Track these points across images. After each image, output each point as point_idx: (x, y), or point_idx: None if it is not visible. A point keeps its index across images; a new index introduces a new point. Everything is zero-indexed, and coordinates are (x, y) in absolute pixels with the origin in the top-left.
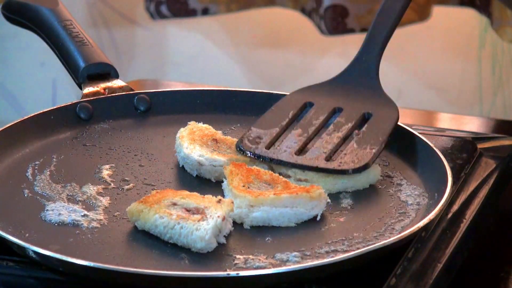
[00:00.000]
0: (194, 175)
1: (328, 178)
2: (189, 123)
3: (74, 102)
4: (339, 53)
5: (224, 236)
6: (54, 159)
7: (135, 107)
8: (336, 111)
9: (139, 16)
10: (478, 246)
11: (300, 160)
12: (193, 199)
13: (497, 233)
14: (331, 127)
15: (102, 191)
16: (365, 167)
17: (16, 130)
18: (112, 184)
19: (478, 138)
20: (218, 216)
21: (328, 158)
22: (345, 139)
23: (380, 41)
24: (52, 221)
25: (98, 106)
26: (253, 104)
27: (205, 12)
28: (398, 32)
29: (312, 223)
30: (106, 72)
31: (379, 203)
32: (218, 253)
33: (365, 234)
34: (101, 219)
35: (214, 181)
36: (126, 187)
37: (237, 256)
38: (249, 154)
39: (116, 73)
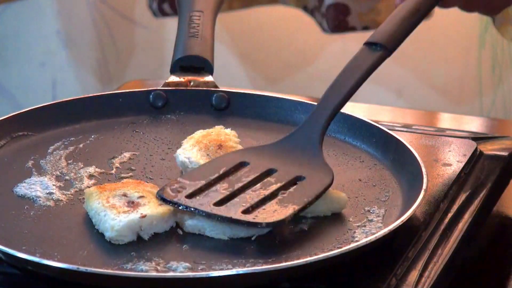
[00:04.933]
0: None
1: None
2: (215, 127)
3: (150, 88)
4: (340, 51)
5: (152, 233)
6: (91, 139)
7: (212, 104)
8: (269, 172)
9: (139, 15)
10: (478, 246)
11: (216, 210)
12: (145, 194)
13: (497, 233)
14: (258, 185)
15: (96, 175)
16: (280, 222)
17: (77, 105)
18: (114, 170)
19: (478, 138)
20: (141, 214)
21: (245, 212)
22: (270, 197)
23: (328, 112)
24: (18, 193)
25: (174, 96)
26: None
27: None
28: None
29: (247, 241)
30: (199, 66)
31: (328, 235)
32: (123, 249)
33: (276, 261)
34: (61, 200)
35: None
36: (123, 175)
37: (134, 255)
38: (168, 202)
39: (210, 69)
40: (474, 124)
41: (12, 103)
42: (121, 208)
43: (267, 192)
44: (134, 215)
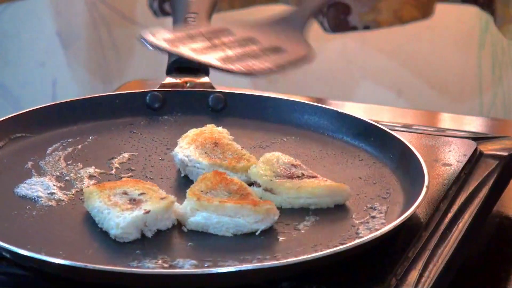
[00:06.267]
0: (182, 175)
1: (290, 191)
2: (206, 125)
3: (146, 90)
4: (341, 50)
5: (156, 230)
6: (89, 140)
7: (209, 105)
8: (251, 40)
9: (139, 16)
10: (478, 246)
11: (192, 54)
12: (145, 191)
13: (497, 232)
14: (239, 46)
15: (96, 175)
16: (251, 73)
17: (74, 106)
18: (114, 170)
19: (478, 138)
20: (144, 210)
21: (225, 60)
22: (250, 56)
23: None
24: (19, 194)
25: (170, 98)
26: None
27: None
28: (399, 30)
29: (251, 237)
30: (195, 67)
31: (332, 232)
32: (128, 247)
33: (282, 257)
34: (63, 200)
35: None
36: (123, 175)
37: (139, 253)
38: (143, 41)
39: (205, 70)
40: (474, 124)
41: (12, 103)
42: (124, 206)
43: (244, 50)
44: (138, 212)
